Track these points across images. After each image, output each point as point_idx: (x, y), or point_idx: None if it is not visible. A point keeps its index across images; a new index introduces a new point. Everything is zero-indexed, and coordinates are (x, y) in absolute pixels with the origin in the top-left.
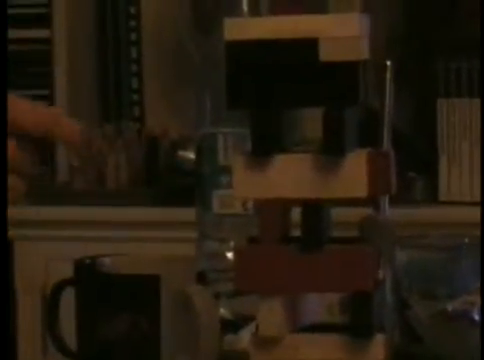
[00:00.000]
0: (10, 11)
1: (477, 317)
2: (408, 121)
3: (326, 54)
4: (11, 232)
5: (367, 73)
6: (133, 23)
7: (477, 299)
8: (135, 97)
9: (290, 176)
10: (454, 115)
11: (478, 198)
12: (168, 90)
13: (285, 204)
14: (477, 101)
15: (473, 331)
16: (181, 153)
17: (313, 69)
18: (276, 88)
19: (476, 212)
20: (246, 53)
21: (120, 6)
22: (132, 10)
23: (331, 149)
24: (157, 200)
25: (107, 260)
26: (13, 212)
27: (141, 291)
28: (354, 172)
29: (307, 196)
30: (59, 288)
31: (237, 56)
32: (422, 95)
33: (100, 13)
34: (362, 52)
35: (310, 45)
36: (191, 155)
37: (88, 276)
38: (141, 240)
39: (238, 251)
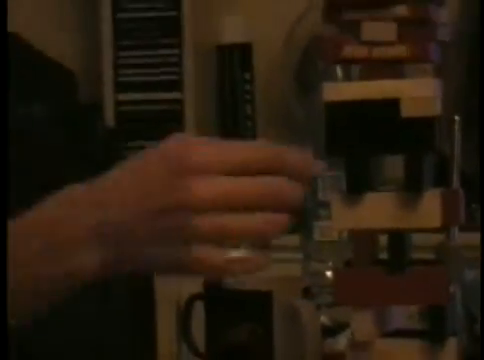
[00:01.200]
0: (151, 78)
1: None
2: (472, 163)
3: (407, 111)
4: None
5: (440, 126)
6: (247, 87)
7: None
8: None
9: (378, 210)
10: None
11: None
12: (276, 140)
13: (374, 233)
14: None
15: None
16: None
17: (396, 123)
18: (365, 139)
19: None
20: (341, 111)
21: (236, 73)
22: (247, 76)
23: (412, 188)
24: None
25: (230, 279)
26: None
27: (258, 304)
28: (430, 207)
29: (392, 227)
30: (191, 301)
31: (333, 113)
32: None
33: (220, 79)
34: (436, 109)
35: (393, 104)
36: None
37: (215, 292)
38: None
39: (336, 271)
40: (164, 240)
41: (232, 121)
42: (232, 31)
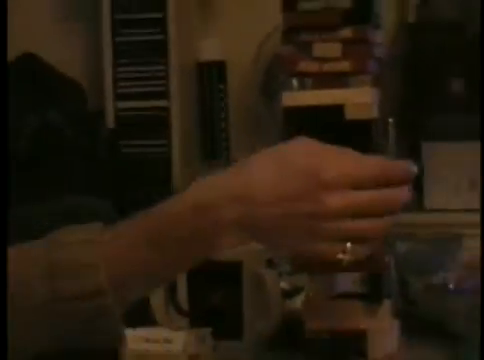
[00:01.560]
0: (144, 89)
1: (451, 286)
2: (403, 157)
3: (350, 115)
4: None
5: (377, 126)
6: (222, 96)
7: (451, 276)
8: (224, 144)
9: None
10: (435, 154)
11: (453, 206)
12: (246, 138)
13: None
14: (447, 144)
15: (449, 297)
16: None
17: (341, 125)
18: (317, 137)
19: (451, 216)
20: (297, 115)
21: (213, 86)
22: (222, 88)
23: None
24: None
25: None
26: None
27: (230, 273)
28: None
29: None
30: None
31: (291, 117)
32: (412, 140)
33: (200, 90)
34: (374, 113)
35: (339, 109)
36: None
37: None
38: None
39: None
40: (294, 236)
41: (210, 124)
42: (209, 51)
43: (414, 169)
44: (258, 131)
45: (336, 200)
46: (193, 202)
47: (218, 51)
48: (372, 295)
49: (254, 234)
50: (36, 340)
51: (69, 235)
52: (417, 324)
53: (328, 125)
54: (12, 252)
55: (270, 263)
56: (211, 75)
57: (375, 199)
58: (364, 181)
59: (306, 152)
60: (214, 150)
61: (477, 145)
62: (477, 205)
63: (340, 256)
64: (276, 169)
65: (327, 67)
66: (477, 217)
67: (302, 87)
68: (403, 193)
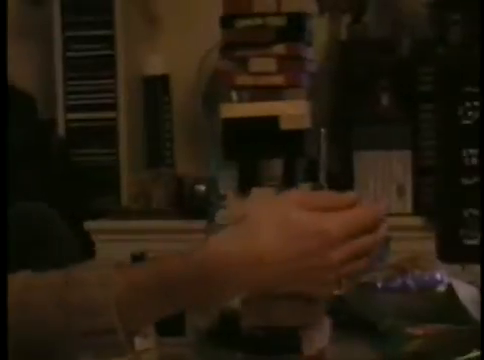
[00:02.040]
0: (93, 101)
1: (379, 285)
2: (336, 165)
3: (284, 125)
4: (97, 235)
5: (310, 136)
6: (167, 108)
7: (379, 274)
8: (169, 153)
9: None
10: (365, 162)
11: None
12: (189, 148)
13: None
14: (378, 152)
15: (377, 294)
16: (197, 187)
17: (276, 135)
18: (254, 147)
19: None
20: (235, 126)
21: (158, 98)
22: (166, 100)
23: (287, 183)
24: (183, 216)
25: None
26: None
27: None
28: None
29: None
30: None
31: (229, 127)
32: (345, 149)
33: (146, 103)
34: (306, 123)
35: (274, 120)
36: (203, 188)
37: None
38: (171, 241)
39: None
40: (301, 286)
41: (155, 134)
42: (154, 65)
43: (386, 207)
44: (200, 141)
45: (339, 253)
46: (202, 263)
47: (162, 65)
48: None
49: (264, 289)
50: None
51: (86, 275)
52: (347, 321)
53: (264, 135)
54: (30, 280)
55: None
56: (156, 88)
57: (366, 243)
58: (358, 228)
59: (302, 207)
60: (159, 158)
61: (404, 153)
62: (404, 210)
63: (336, 292)
64: (282, 232)
65: (263, 81)
66: (403, 221)
67: (241, 100)
68: (381, 233)
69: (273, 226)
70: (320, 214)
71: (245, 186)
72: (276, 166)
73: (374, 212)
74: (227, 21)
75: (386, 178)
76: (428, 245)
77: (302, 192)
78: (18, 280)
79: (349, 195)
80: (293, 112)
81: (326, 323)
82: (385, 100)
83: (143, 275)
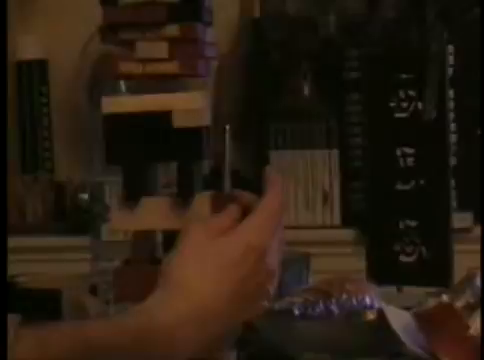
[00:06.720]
0: None
1: (297, 312)
2: (249, 168)
3: (178, 122)
4: None
5: (210, 135)
6: (44, 99)
7: (297, 299)
8: (47, 154)
9: (153, 213)
10: (284, 163)
11: (299, 223)
12: (72, 149)
13: (150, 234)
14: (299, 152)
15: (294, 323)
16: (81, 196)
17: (168, 134)
18: (141, 148)
19: (298, 234)
20: (118, 122)
21: (34, 87)
22: (43, 90)
23: (183, 193)
24: (63, 231)
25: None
26: None
27: (48, 301)
28: (200, 209)
29: (166, 227)
30: None
31: (112, 125)
32: (259, 148)
33: (20, 92)
34: (205, 120)
35: (166, 116)
36: (87, 197)
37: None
38: (50, 261)
39: (115, 270)
40: (251, 310)
41: (31, 132)
42: (29, 49)
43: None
44: (85, 140)
45: (271, 261)
46: (138, 327)
47: (39, 49)
48: None
49: (216, 340)
50: None
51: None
52: (259, 354)
53: (154, 134)
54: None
55: (93, 289)
56: (31, 75)
57: (279, 242)
58: (272, 222)
59: (213, 236)
60: (35, 161)
61: (329, 153)
62: (330, 221)
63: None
64: (213, 276)
65: (151, 68)
66: (328, 234)
67: (131, 92)
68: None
69: (199, 273)
70: (233, 232)
71: (132, 195)
72: (174, 170)
73: (275, 197)
74: None
75: (309, 183)
76: (357, 263)
77: (201, 225)
78: None
79: (242, 196)
80: (189, 106)
81: (230, 358)
82: (306, 90)
83: (63, 342)
